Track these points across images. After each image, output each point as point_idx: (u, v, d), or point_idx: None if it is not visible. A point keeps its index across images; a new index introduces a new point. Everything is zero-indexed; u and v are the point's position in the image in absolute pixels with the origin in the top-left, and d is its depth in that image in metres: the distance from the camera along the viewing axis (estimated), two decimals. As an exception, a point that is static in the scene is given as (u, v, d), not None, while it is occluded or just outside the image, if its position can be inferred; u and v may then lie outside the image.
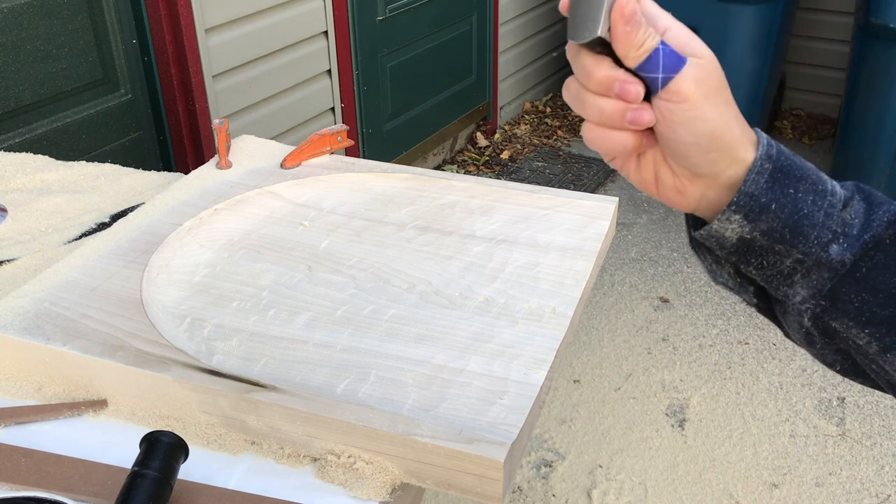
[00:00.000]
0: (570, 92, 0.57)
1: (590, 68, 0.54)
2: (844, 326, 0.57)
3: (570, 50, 0.55)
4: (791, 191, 0.55)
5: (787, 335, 0.63)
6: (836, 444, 2.32)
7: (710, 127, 0.54)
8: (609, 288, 3.04)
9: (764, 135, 0.58)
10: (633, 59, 0.53)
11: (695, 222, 0.62)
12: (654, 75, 0.53)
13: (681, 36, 0.55)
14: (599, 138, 0.56)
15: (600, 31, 0.52)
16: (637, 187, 0.61)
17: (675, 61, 0.53)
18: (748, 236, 0.56)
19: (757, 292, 0.62)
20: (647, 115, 0.54)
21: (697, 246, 0.62)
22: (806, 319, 0.58)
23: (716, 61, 0.55)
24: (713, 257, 0.61)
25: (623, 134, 0.56)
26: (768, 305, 0.62)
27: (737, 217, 0.55)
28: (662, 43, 0.53)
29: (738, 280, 0.62)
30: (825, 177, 0.57)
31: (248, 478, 0.79)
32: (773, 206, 0.55)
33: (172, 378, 0.83)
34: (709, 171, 0.56)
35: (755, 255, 0.57)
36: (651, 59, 0.53)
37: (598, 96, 0.55)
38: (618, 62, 0.54)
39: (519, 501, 2.16)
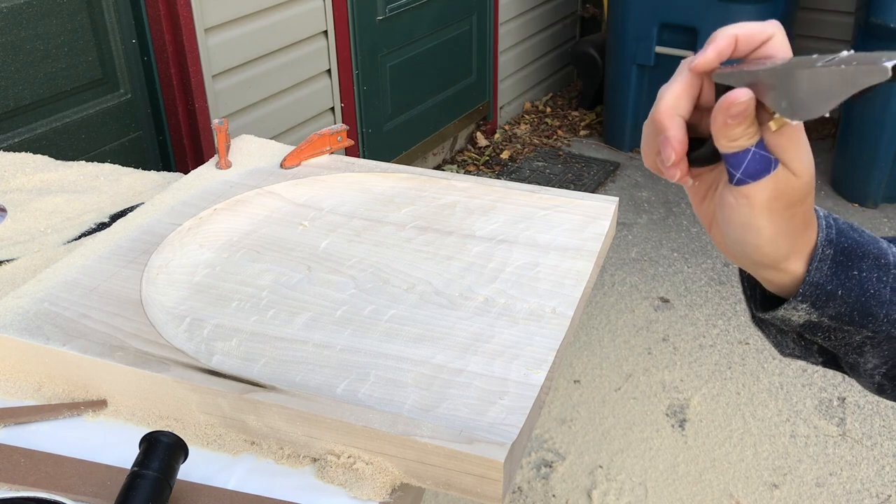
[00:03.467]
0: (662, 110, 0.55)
1: (675, 90, 0.53)
2: None
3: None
4: (855, 272, 0.54)
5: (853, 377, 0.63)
6: (837, 445, 2.32)
7: (758, 240, 0.52)
8: (609, 288, 3.04)
9: (823, 215, 0.55)
10: (721, 146, 0.51)
11: (754, 293, 0.60)
12: (732, 170, 0.51)
13: (796, 134, 0.50)
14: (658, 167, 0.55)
15: (715, 78, 0.50)
16: (729, 240, 0.57)
17: (761, 168, 0.50)
18: (816, 320, 0.55)
19: (821, 350, 0.61)
20: (672, 173, 0.53)
21: (760, 322, 0.61)
22: (878, 377, 0.58)
23: (808, 180, 0.51)
24: (777, 330, 0.60)
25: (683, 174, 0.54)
26: (834, 360, 0.61)
27: (803, 306, 0.54)
28: (758, 144, 0.50)
29: (803, 344, 0.60)
30: (885, 245, 0.56)
31: (247, 478, 0.79)
32: (840, 292, 0.54)
33: (172, 378, 0.82)
34: (757, 266, 0.55)
35: (823, 332, 0.56)
36: (738, 156, 0.50)
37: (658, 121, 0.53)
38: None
39: (519, 502, 2.16)
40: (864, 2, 3.30)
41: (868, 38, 3.32)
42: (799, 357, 0.62)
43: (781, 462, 2.26)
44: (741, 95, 0.47)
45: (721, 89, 0.51)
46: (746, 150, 0.50)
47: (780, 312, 0.56)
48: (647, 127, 0.55)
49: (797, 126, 0.49)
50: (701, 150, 0.54)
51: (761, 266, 0.54)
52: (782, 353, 0.62)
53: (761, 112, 0.49)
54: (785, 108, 0.46)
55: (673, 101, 0.52)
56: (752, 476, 2.22)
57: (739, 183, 0.51)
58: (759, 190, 0.51)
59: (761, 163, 0.50)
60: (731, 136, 0.49)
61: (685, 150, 0.53)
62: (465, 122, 4.07)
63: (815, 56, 0.47)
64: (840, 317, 0.54)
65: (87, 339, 0.88)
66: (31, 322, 0.91)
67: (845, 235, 0.55)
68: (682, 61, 0.53)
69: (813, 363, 0.62)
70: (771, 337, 0.61)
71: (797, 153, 0.50)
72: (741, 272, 0.61)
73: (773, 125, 0.49)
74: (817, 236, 0.54)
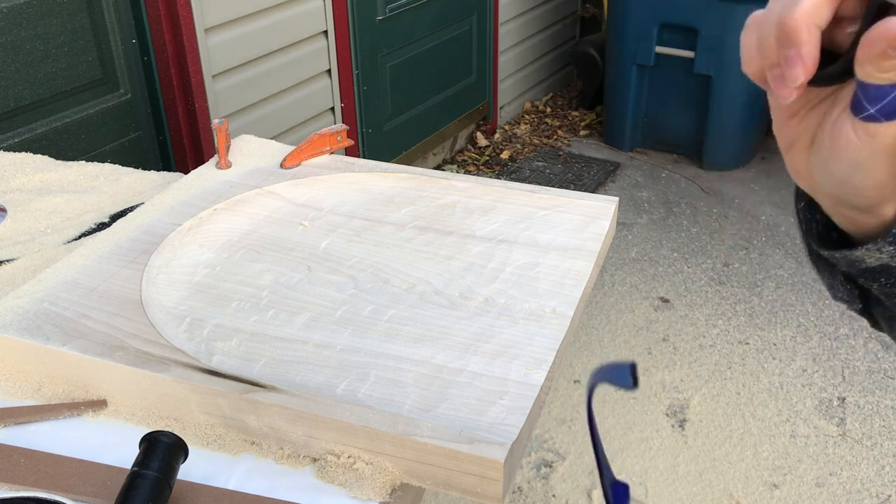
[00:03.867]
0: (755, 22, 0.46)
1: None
2: None
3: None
4: None
5: (875, 328, 0.60)
6: (837, 445, 2.32)
7: (865, 181, 0.47)
8: (609, 288, 3.04)
9: None
10: (863, 73, 0.43)
11: (810, 228, 0.55)
12: (866, 103, 0.44)
13: None
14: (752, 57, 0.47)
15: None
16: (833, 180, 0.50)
17: None
18: (894, 265, 0.50)
19: (862, 296, 0.57)
20: (788, 94, 0.45)
21: (819, 261, 0.56)
22: None
23: None
24: (831, 270, 0.55)
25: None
26: (867, 307, 0.58)
27: (889, 248, 0.49)
28: None
29: (849, 288, 0.56)
30: None
31: (247, 478, 0.79)
32: None
33: (172, 378, 0.82)
34: (844, 206, 0.50)
35: (887, 276, 0.51)
36: (882, 88, 0.43)
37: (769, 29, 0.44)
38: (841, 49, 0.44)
39: (519, 502, 2.16)
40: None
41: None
42: (844, 301, 0.57)
43: (781, 462, 2.26)
44: (892, 25, 0.40)
45: (874, 5, 0.42)
46: (893, 86, 0.43)
47: (859, 252, 0.50)
48: (760, 29, 0.46)
49: None
50: (831, 67, 0.45)
51: (851, 207, 0.49)
52: (834, 296, 0.58)
53: None
54: None
55: (813, 7, 0.43)
56: (752, 476, 2.22)
57: (869, 119, 0.44)
58: (889, 131, 0.44)
59: None
60: (884, 67, 0.42)
61: (816, 69, 0.44)
62: (465, 122, 4.07)
63: None
64: None
65: (87, 339, 0.88)
66: (31, 322, 0.91)
67: None
68: None
69: (853, 309, 0.58)
70: (825, 277, 0.57)
71: None
72: (800, 206, 0.55)
73: None
74: None
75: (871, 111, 0.43)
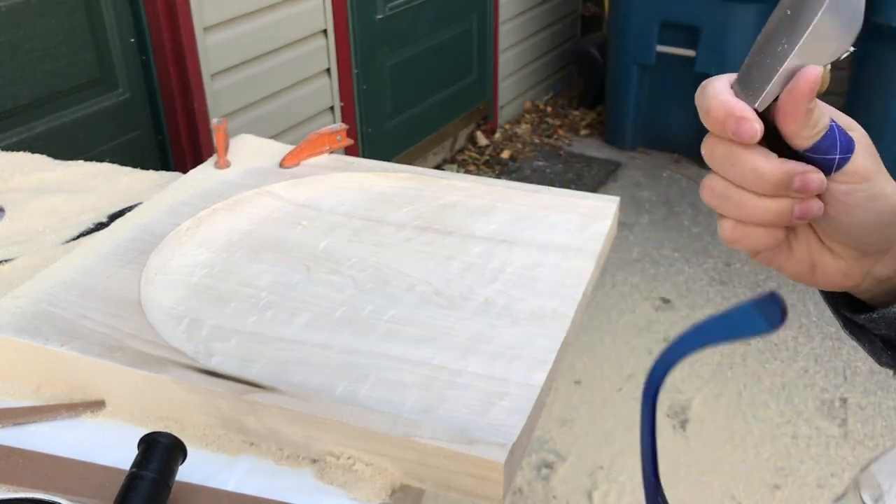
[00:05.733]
0: (715, 191, 0.49)
1: (757, 164, 0.46)
2: None
3: (714, 144, 0.48)
4: None
5: None
6: (839, 446, 2.31)
7: (891, 202, 0.48)
8: (610, 288, 3.04)
9: None
10: (806, 138, 0.45)
11: (836, 301, 0.56)
12: (829, 157, 0.46)
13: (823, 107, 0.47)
14: (745, 237, 0.49)
15: (758, 105, 0.45)
16: (791, 279, 0.53)
17: (849, 139, 0.46)
18: None
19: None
20: (815, 207, 0.47)
21: (856, 329, 0.56)
22: None
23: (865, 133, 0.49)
24: (869, 336, 0.56)
25: (775, 229, 0.49)
26: None
27: None
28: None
29: (890, 353, 0.56)
30: None
31: (246, 479, 0.78)
32: None
33: (171, 379, 0.82)
34: (885, 247, 0.51)
35: None
36: (827, 137, 0.46)
37: (762, 196, 0.47)
38: (773, 145, 0.46)
39: (519, 503, 2.16)
40: (865, 2, 3.29)
41: (868, 38, 3.32)
42: (890, 366, 0.57)
43: (783, 463, 2.26)
44: (812, 73, 0.43)
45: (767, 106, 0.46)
46: (832, 127, 0.46)
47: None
48: (735, 200, 0.47)
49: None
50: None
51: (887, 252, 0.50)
52: (879, 361, 0.58)
53: None
54: (831, 45, 0.43)
55: (719, 91, 0.48)
56: (753, 477, 2.21)
57: (843, 163, 0.46)
58: (862, 158, 0.47)
59: (844, 133, 0.47)
60: (814, 120, 0.45)
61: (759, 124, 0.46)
62: (466, 121, 4.06)
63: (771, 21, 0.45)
64: None
65: (86, 339, 0.88)
66: (30, 322, 0.90)
67: None
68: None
69: (890, 367, 0.58)
70: (865, 344, 0.57)
71: (832, 109, 0.48)
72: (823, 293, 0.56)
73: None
74: None
75: (838, 155, 0.46)
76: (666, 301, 2.96)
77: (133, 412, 0.86)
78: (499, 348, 0.89)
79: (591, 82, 4.45)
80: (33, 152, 1.45)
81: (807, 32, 0.43)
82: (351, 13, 3.06)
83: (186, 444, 0.76)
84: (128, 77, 2.44)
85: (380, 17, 3.22)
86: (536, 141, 4.26)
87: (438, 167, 3.95)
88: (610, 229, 1.12)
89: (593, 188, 3.78)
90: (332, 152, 1.30)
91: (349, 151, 3.08)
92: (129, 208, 1.24)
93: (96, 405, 0.87)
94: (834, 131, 0.46)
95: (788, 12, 0.44)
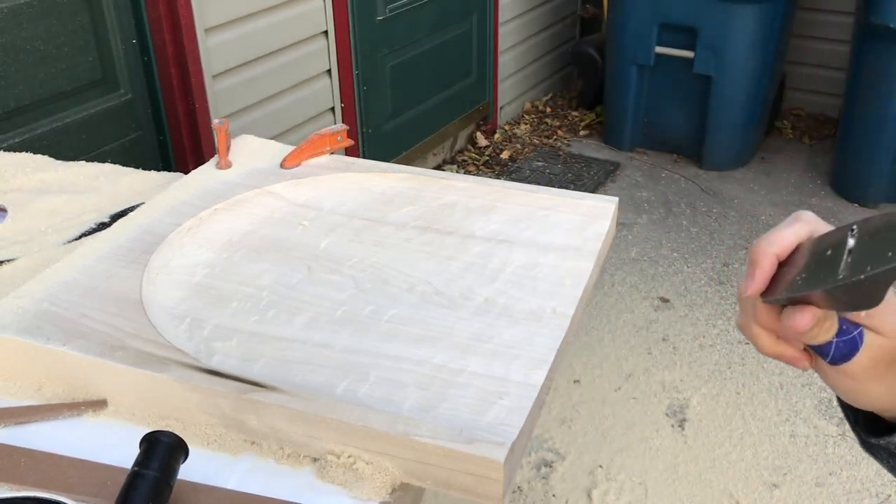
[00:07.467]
0: (742, 323, 0.59)
1: (758, 338, 0.56)
2: None
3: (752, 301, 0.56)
4: None
5: None
6: (837, 444, 2.32)
7: (870, 400, 0.55)
8: (609, 288, 3.04)
9: None
10: (803, 342, 0.54)
11: (857, 417, 0.61)
12: (824, 353, 0.54)
13: (890, 303, 0.52)
14: (779, 355, 0.57)
15: (783, 298, 0.52)
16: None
17: (848, 350, 0.53)
18: None
19: None
20: (804, 364, 0.56)
21: (874, 448, 0.61)
22: None
23: None
24: (889, 453, 0.60)
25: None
26: None
27: None
28: (840, 329, 0.52)
29: None
30: None
31: (247, 478, 0.79)
32: None
33: (172, 378, 0.82)
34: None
35: None
36: (822, 346, 0.53)
37: (774, 343, 0.56)
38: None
39: (519, 502, 2.16)
40: (863, 2, 3.30)
41: (867, 38, 3.32)
42: None
43: (781, 462, 2.26)
44: (803, 323, 0.50)
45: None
46: (829, 344, 0.52)
47: None
48: (755, 334, 0.57)
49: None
50: (775, 297, 0.55)
51: (884, 410, 0.56)
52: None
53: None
54: (842, 308, 0.49)
55: (773, 245, 0.54)
56: (751, 476, 2.22)
57: (835, 363, 0.53)
58: (854, 365, 0.53)
59: (847, 345, 0.52)
60: (809, 339, 0.52)
61: (766, 286, 0.54)
62: (465, 122, 4.07)
63: (832, 235, 0.49)
64: None
65: (88, 339, 0.88)
66: (32, 322, 0.91)
67: None
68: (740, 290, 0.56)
69: None
70: (884, 461, 0.61)
71: (881, 319, 0.52)
72: (841, 401, 0.62)
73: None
74: None
75: (829, 361, 0.54)
76: (664, 301, 2.96)
77: (134, 411, 0.86)
78: (498, 348, 0.89)
79: (590, 83, 4.46)
80: (35, 153, 1.45)
81: (823, 288, 0.47)
82: (351, 14, 3.06)
83: (188, 442, 0.76)
84: (129, 78, 2.44)
85: (380, 18, 3.22)
86: (536, 141, 4.26)
87: (438, 168, 3.95)
88: (609, 229, 1.13)
89: (592, 188, 3.78)
90: (332, 153, 1.30)
91: (349, 152, 3.08)
92: (131, 208, 1.25)
93: (98, 404, 0.87)
94: (830, 346, 0.52)
95: (829, 252, 0.48)
